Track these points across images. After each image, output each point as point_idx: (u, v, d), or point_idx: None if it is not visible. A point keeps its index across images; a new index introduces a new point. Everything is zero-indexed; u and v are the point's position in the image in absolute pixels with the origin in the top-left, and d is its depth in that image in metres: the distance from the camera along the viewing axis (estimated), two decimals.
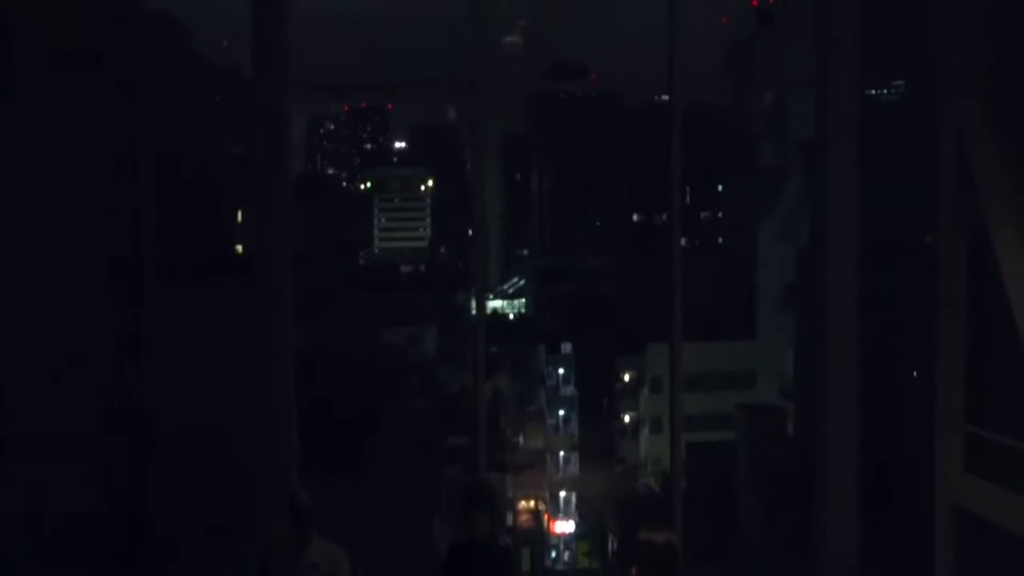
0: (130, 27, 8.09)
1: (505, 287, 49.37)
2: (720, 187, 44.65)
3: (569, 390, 43.55)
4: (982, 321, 8.64)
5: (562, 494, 42.47)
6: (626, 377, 42.88)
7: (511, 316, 48.24)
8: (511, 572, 7.41)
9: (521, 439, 40.65)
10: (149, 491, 8.22)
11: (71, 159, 7.79)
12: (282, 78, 9.23)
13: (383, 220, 56.83)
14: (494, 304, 48.60)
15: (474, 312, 14.33)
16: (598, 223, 52.22)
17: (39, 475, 7.53)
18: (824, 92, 10.03)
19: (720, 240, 43.84)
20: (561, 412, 43.20)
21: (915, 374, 10.60)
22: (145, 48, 8.38)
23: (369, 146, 61.66)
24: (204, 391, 10.81)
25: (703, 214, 46.46)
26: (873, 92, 11.41)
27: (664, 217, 49.29)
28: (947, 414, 8.82)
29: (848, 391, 10.00)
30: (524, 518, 38.44)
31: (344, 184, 58.95)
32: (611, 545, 38.30)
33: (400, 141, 61.58)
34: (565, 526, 42.01)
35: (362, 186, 58.18)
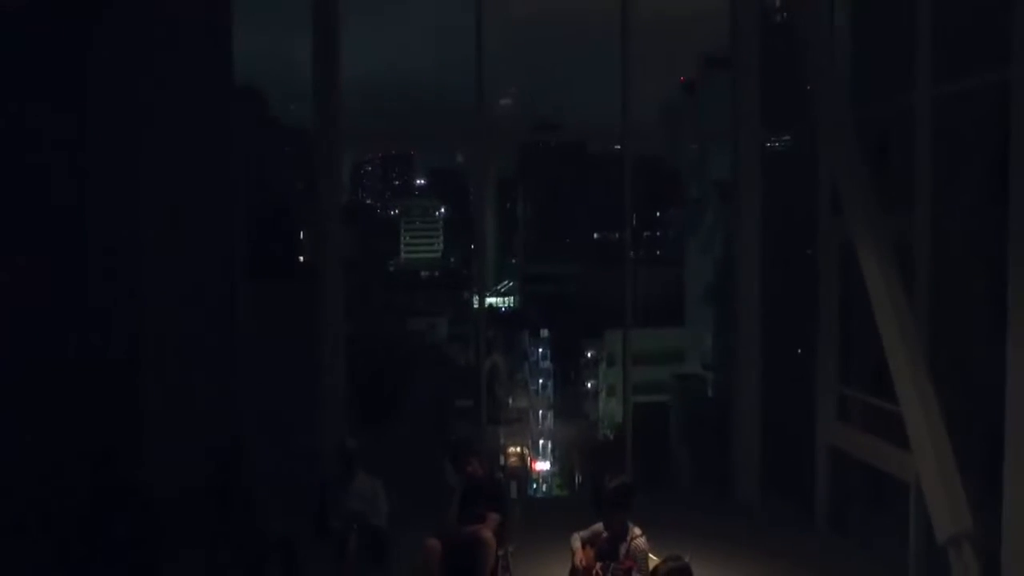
0: (227, 99, 8.18)
1: (499, 287, 49.32)
2: (658, 214, 44.68)
3: (546, 364, 43.53)
4: (849, 310, 8.75)
5: (541, 442, 42.44)
6: (589, 354, 42.83)
7: (503, 309, 48.15)
8: (504, 499, 7.45)
9: (511, 401, 40.66)
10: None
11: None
12: (336, 132, 9.31)
13: (407, 237, 56.73)
14: (491, 300, 48.49)
15: (476, 306, 14.32)
16: (568, 240, 52.19)
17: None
18: (736, 143, 10.12)
19: (658, 253, 43.84)
20: (540, 380, 43.20)
21: (800, 350, 10.66)
22: (236, 114, 8.49)
23: (397, 183, 61.60)
24: (277, 363, 10.86)
25: (645, 234, 46.46)
26: (769, 144, 11.46)
27: (617, 235, 49.36)
28: (824, 378, 8.91)
29: (753, 363, 10.08)
30: (512, 460, 38.41)
31: (378, 211, 58.74)
32: (577, 479, 38.29)
33: (420, 179, 61.55)
34: (543, 465, 41.94)
35: (392, 212, 58.05)
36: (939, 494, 6.61)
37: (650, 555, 5.80)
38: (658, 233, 45.33)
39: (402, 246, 55.59)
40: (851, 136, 7.95)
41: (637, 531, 5.94)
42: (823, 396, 8.84)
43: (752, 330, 10.09)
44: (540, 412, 42.43)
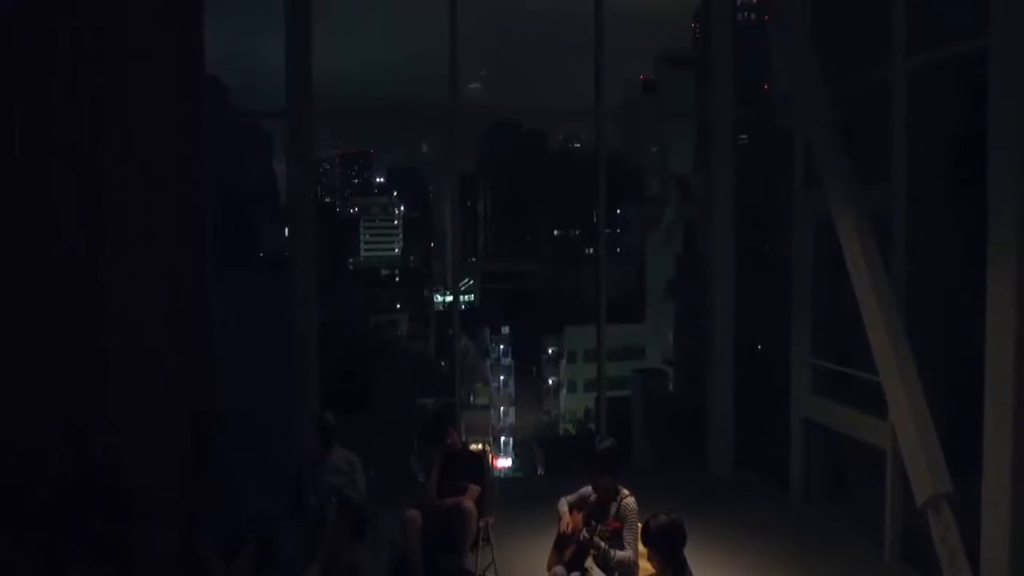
0: (198, 93, 8.07)
1: (459, 285, 49.31)
2: (619, 211, 44.88)
3: (507, 361, 43.55)
4: (824, 285, 8.83)
5: (502, 438, 42.44)
6: (549, 351, 43.00)
7: (464, 306, 48.09)
8: (483, 471, 7.40)
9: (472, 397, 40.60)
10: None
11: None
12: (309, 125, 9.32)
13: (367, 236, 56.47)
14: (451, 297, 48.45)
15: (449, 298, 14.20)
16: (527, 237, 52.30)
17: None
18: (709, 131, 10.13)
19: (618, 250, 44.02)
20: (501, 377, 43.18)
21: (767, 329, 10.72)
22: (205, 109, 8.38)
23: (356, 181, 61.41)
24: (250, 347, 10.75)
25: (606, 230, 46.86)
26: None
27: (577, 232, 49.66)
28: (799, 351, 8.97)
29: (727, 345, 10.12)
30: None
31: (338, 210, 58.42)
32: (539, 473, 38.31)
33: (379, 177, 61.42)
34: (505, 463, 41.93)
35: (351, 211, 57.75)
36: (918, 458, 6.68)
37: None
38: (618, 230, 45.53)
39: (362, 244, 55.35)
40: (827, 108, 8.02)
41: (626, 492, 5.87)
42: (797, 369, 8.90)
43: (726, 312, 10.13)
44: (501, 408, 42.44)
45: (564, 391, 42.11)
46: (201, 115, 8.19)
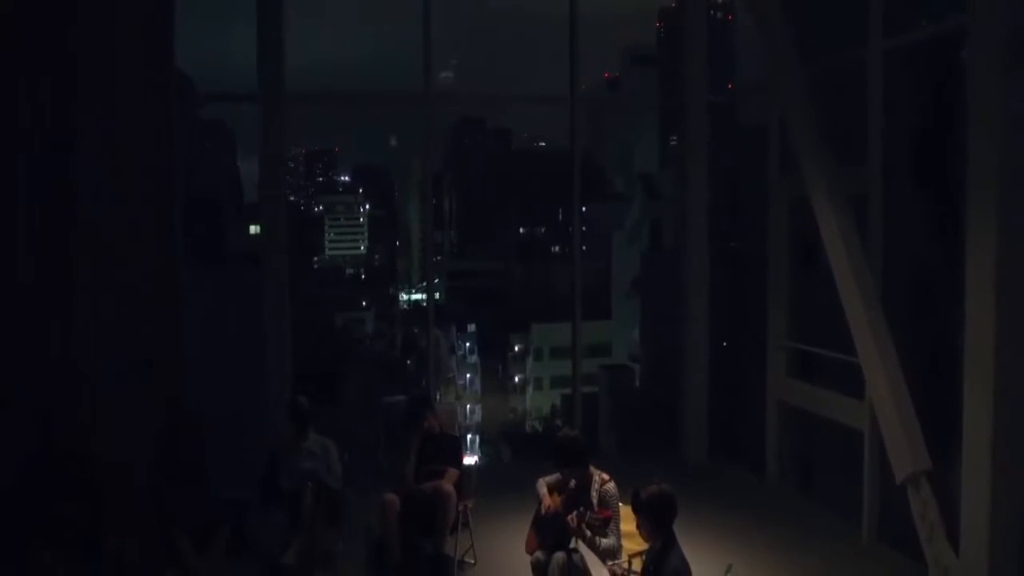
0: (169, 92, 7.88)
1: (425, 283, 49.08)
2: (583, 208, 44.96)
3: (473, 358, 43.45)
4: (800, 266, 8.84)
5: (468, 436, 42.31)
6: (515, 348, 42.93)
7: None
8: (459, 453, 7.32)
9: (439, 395, 40.40)
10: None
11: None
12: (280, 121, 9.24)
13: (332, 234, 56.06)
14: (417, 296, 48.23)
15: (419, 298, 14.06)
16: (494, 235, 52.21)
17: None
18: (684, 124, 10.10)
19: (584, 247, 44.07)
20: (468, 375, 43.08)
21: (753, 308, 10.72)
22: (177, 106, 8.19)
23: (320, 179, 60.93)
24: (223, 339, 10.60)
25: (570, 228, 46.78)
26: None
27: (542, 230, 49.64)
28: (774, 334, 8.97)
29: (702, 337, 10.08)
30: None
31: (302, 208, 57.95)
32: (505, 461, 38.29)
33: (344, 175, 60.99)
34: (471, 460, 41.76)
35: (316, 209, 57.31)
36: (897, 435, 6.67)
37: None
38: (584, 228, 45.64)
39: (327, 243, 54.92)
40: (803, 90, 8.01)
41: (605, 476, 5.77)
42: (773, 352, 8.89)
43: (700, 301, 10.10)
44: (468, 406, 42.26)
45: (531, 388, 42.05)
46: (172, 114, 8.01)
